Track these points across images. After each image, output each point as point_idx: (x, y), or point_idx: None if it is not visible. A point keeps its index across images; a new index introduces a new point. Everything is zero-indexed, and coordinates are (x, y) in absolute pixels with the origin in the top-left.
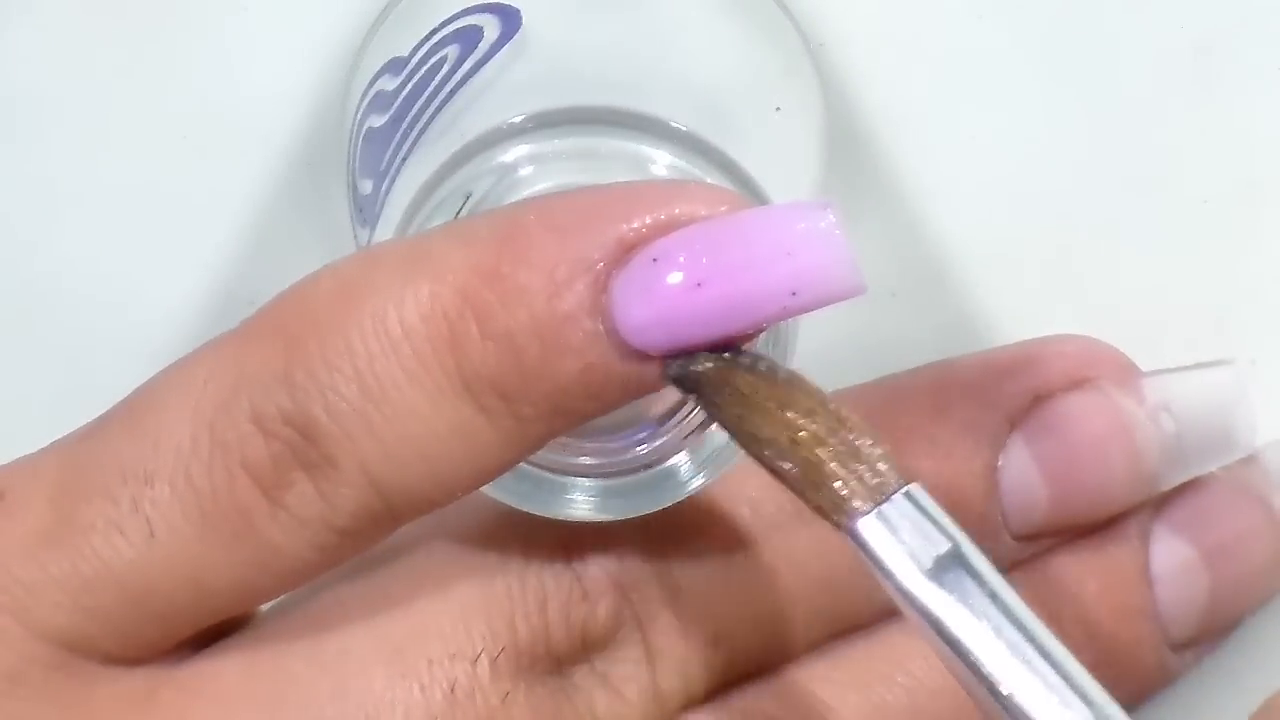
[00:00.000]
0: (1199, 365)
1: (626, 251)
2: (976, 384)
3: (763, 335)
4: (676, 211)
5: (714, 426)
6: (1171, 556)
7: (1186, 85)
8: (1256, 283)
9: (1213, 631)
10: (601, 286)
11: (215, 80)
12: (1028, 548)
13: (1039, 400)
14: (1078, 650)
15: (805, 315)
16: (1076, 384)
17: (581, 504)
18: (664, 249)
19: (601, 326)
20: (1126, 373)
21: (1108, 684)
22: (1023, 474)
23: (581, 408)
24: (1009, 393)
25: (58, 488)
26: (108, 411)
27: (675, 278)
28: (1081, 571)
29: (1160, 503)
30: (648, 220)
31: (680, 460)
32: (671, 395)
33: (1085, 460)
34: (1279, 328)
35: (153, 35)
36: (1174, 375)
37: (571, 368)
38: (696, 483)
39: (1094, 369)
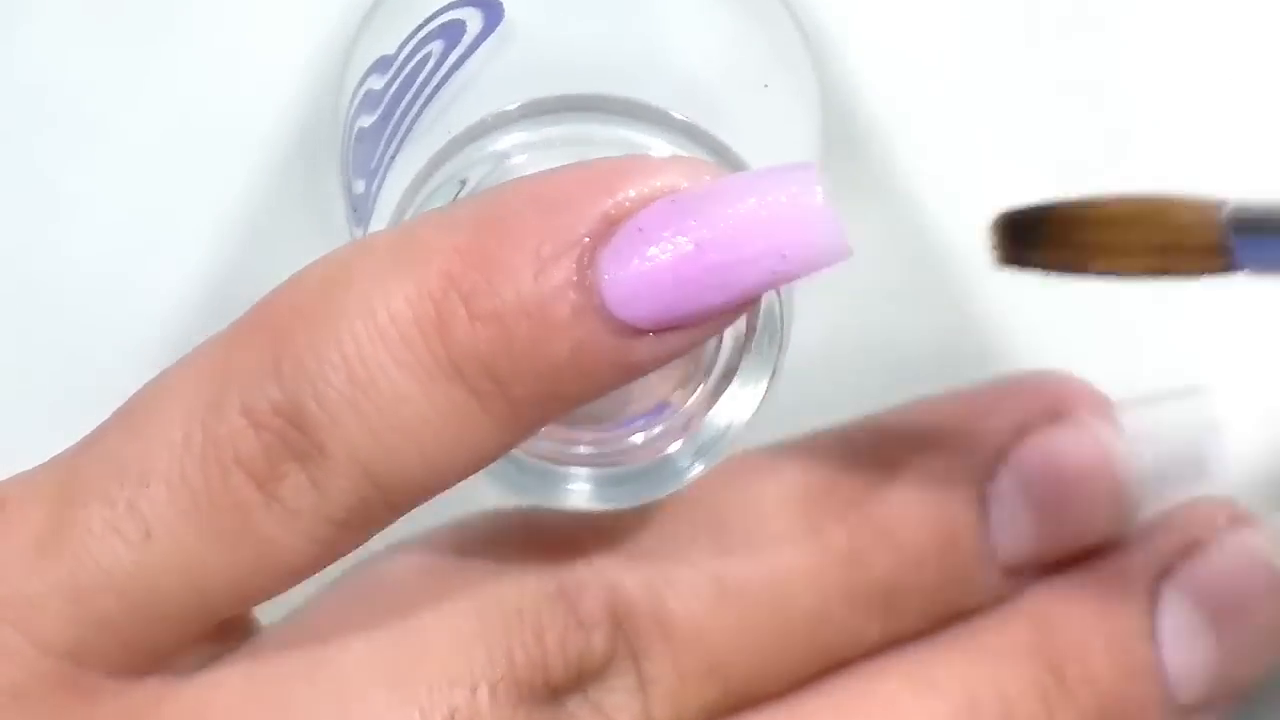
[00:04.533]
0: (1171, 394)
1: (611, 226)
2: (960, 421)
3: (754, 333)
4: (659, 184)
5: (710, 415)
6: (1178, 619)
7: (1187, 85)
8: (1256, 282)
9: (1219, 696)
10: (588, 261)
11: (212, 82)
12: (1011, 582)
13: (1023, 435)
14: (1082, 710)
15: (802, 312)
16: (1057, 418)
17: (579, 494)
18: (649, 219)
19: (590, 301)
20: (1103, 405)
21: None
22: (1011, 508)
23: (574, 388)
24: (993, 428)
25: (54, 495)
26: (103, 422)
27: (662, 247)
28: (1088, 631)
29: (1168, 567)
30: (631, 194)
31: (677, 449)
32: (667, 384)
33: (1071, 493)
34: (1279, 329)
35: (146, 38)
36: (1149, 406)
37: (562, 345)
38: (694, 471)
39: (1073, 403)
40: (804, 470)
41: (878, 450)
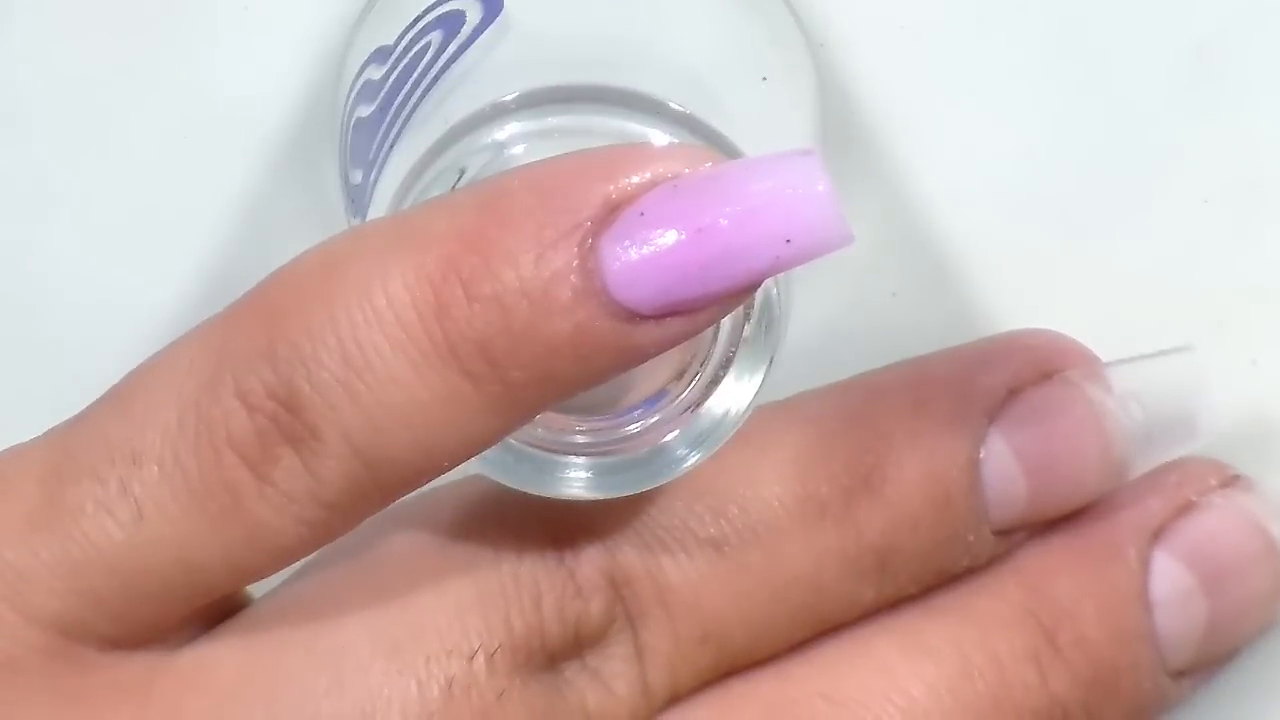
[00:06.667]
0: (1160, 353)
1: (613, 211)
2: (952, 380)
3: (751, 323)
4: (662, 170)
5: (707, 404)
6: (1170, 583)
7: (1187, 85)
8: (1256, 283)
9: (1210, 660)
10: (590, 246)
11: (210, 73)
12: (1002, 543)
13: (1013, 394)
14: (1075, 672)
15: (800, 304)
16: (1047, 376)
17: (576, 483)
18: (651, 204)
19: (591, 285)
20: (1092, 363)
21: (1105, 707)
22: (1003, 467)
23: (572, 373)
24: (984, 387)
25: (47, 471)
26: (98, 399)
27: (664, 231)
28: (1080, 593)
29: (1159, 528)
30: (634, 179)
31: (673, 438)
32: (664, 373)
33: (1061, 451)
34: (1279, 327)
35: (146, 32)
36: (1138, 364)
37: (561, 328)
38: (690, 461)
39: (1062, 361)
40: (798, 435)
41: (870, 412)
